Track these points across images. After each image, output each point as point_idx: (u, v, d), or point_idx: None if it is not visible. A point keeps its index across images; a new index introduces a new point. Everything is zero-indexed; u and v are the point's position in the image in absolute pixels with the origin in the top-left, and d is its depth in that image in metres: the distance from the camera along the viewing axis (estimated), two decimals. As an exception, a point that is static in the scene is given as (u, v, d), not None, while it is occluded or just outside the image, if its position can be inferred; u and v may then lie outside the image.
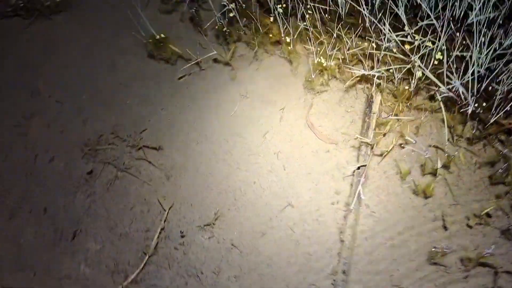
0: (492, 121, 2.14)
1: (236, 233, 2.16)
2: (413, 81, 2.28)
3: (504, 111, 2.11)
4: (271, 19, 2.52)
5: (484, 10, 2.21)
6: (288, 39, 2.47)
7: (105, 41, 2.78)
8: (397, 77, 2.32)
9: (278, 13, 2.49)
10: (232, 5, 2.54)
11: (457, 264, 1.97)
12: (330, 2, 2.46)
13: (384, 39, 2.32)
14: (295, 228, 2.13)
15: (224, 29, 2.55)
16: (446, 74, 2.24)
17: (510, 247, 1.96)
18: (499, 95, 2.15)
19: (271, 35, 2.50)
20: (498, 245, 1.96)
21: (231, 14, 2.54)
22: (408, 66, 2.30)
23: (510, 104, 2.10)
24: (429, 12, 2.29)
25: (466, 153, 2.19)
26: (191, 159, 2.35)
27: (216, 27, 2.61)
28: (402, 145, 2.24)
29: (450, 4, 2.25)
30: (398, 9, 2.29)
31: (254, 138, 2.37)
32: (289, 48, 2.48)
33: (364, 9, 2.34)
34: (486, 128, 2.18)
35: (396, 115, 2.28)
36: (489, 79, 2.15)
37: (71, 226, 2.26)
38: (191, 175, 2.31)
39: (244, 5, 2.60)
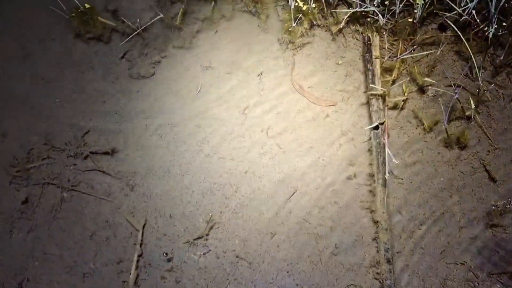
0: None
1: (238, 241, 1.75)
2: (416, 11, 1.97)
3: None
4: None
5: None
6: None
7: (12, 25, 2.22)
8: (398, 8, 1.97)
9: None
10: None
11: None
12: None
13: None
14: (310, 219, 1.77)
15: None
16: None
17: None
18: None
19: None
20: None
21: None
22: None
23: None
24: None
25: (491, 87, 1.92)
26: (157, 158, 1.91)
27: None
28: (418, 90, 1.94)
29: None
30: None
31: (232, 116, 1.96)
32: None
33: None
34: (510, 53, 1.92)
35: (402, 53, 1.95)
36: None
37: (13, 277, 1.76)
38: (161, 178, 1.86)
39: None
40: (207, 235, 1.76)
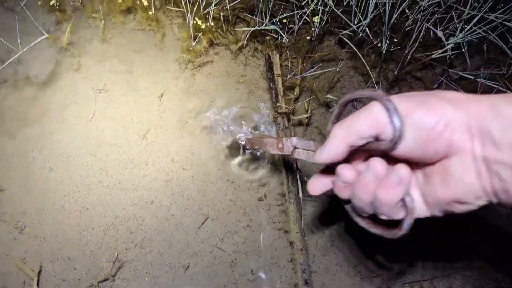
0: (408, 57, 2.18)
1: (149, 279, 1.79)
2: (313, 29, 2.18)
3: (417, 44, 2.17)
4: None
5: None
6: (145, 2, 2.15)
7: None
8: (296, 26, 2.20)
9: None
10: None
11: None
12: None
13: None
14: (224, 246, 1.86)
15: (52, 2, 2.10)
16: (349, 13, 2.21)
17: None
18: (409, 25, 2.22)
19: (120, 1, 2.14)
20: None
21: None
22: (302, 12, 2.20)
23: (422, 35, 2.17)
24: None
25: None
26: (48, 194, 1.88)
27: (39, 2, 2.14)
28: (321, 107, 2.14)
29: None
30: None
31: (132, 143, 2.01)
32: (150, 13, 2.16)
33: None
34: (403, 67, 2.22)
35: (303, 71, 2.16)
36: (397, 9, 2.17)
37: None
38: (55, 217, 1.84)
39: None
40: (113, 276, 1.77)
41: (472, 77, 2.23)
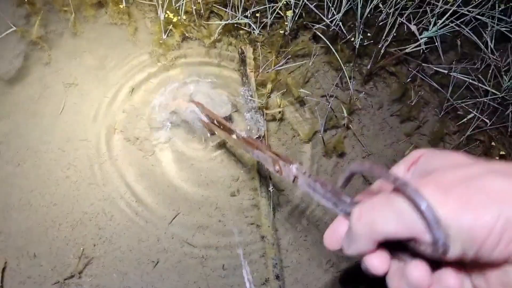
0: (382, 52, 2.20)
1: (117, 275, 1.76)
2: (286, 23, 2.18)
3: (390, 38, 2.19)
4: None
5: None
6: (116, -3, 2.13)
7: None
8: (269, 20, 2.20)
9: None
10: None
11: None
12: None
13: None
14: (195, 241, 1.83)
15: None
16: (323, 7, 2.22)
17: None
18: (383, 19, 2.23)
19: None
20: None
21: None
22: (279, 5, 2.19)
23: (395, 30, 2.18)
24: None
25: (360, 95, 2.21)
26: (15, 190, 1.85)
27: (6, -6, 2.13)
28: (294, 102, 2.14)
29: None
30: None
31: (102, 136, 1.97)
32: (121, 7, 2.14)
33: None
34: (377, 61, 2.23)
35: (276, 65, 2.15)
36: (370, 3, 2.18)
37: None
38: (22, 213, 1.81)
39: None
40: (80, 272, 1.74)
41: (446, 71, 2.24)
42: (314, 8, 2.20)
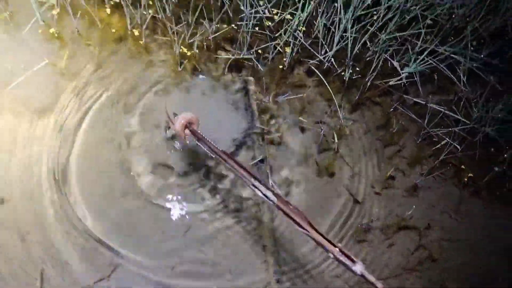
0: (368, 84, 2.52)
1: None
2: (285, 59, 2.48)
3: (376, 72, 2.50)
4: (108, 11, 2.46)
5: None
6: (136, 32, 2.43)
7: None
8: (270, 56, 2.51)
9: (115, 2, 2.45)
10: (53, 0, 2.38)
11: (379, 236, 2.25)
12: None
13: (245, 18, 2.49)
14: (206, 251, 2.11)
15: (51, 30, 2.37)
16: (317, 44, 2.55)
17: (421, 203, 2.34)
18: (370, 56, 2.56)
19: (113, 30, 2.43)
20: (408, 204, 2.32)
21: (54, 12, 2.38)
22: (275, 44, 2.52)
23: (380, 65, 2.51)
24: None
25: (350, 121, 2.51)
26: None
27: (40, 30, 2.40)
28: (291, 127, 2.43)
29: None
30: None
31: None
32: (140, 43, 2.45)
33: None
34: (364, 92, 2.54)
35: (275, 97, 2.45)
36: (357, 42, 2.52)
37: None
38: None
39: None
40: (108, 276, 2.01)
41: (424, 102, 2.56)
42: (308, 46, 2.52)
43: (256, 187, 1.73)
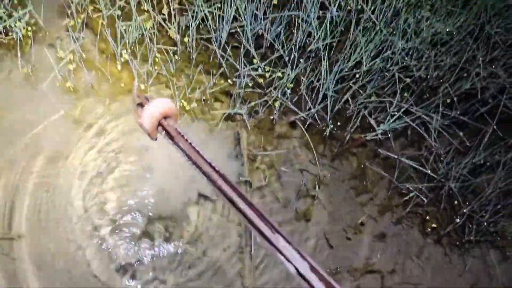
0: (348, 137, 2.84)
1: None
2: (274, 112, 2.81)
3: (355, 126, 2.83)
4: (119, 67, 2.79)
5: (321, 36, 2.89)
6: (142, 86, 2.77)
7: None
8: (260, 110, 2.85)
9: (125, 59, 2.80)
10: (70, 56, 2.74)
11: (347, 277, 2.56)
12: (178, 43, 2.88)
13: (240, 75, 2.83)
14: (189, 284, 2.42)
15: (68, 84, 2.70)
16: (302, 101, 2.88)
17: (388, 248, 2.65)
18: (350, 112, 2.88)
19: (122, 85, 2.77)
20: (375, 249, 2.63)
21: (70, 67, 2.72)
22: (266, 99, 2.85)
23: (359, 121, 2.83)
24: (274, 43, 2.92)
25: (330, 170, 2.83)
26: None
27: (58, 84, 2.73)
28: (276, 175, 2.76)
29: (295, 33, 2.90)
30: (248, 44, 2.86)
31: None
32: (146, 94, 2.67)
33: (215, 46, 2.85)
34: (343, 144, 2.86)
35: (264, 147, 2.80)
36: (339, 100, 2.85)
37: None
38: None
39: (84, 54, 2.81)
40: None
41: (396, 157, 2.86)
42: (293, 106, 2.83)
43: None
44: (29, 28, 2.84)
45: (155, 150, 2.67)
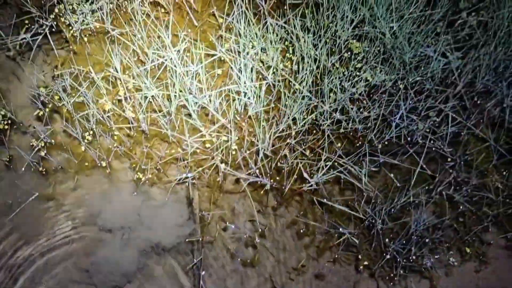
0: (287, 189, 3.25)
1: None
2: (220, 173, 3.26)
3: (294, 179, 3.24)
4: (82, 148, 3.28)
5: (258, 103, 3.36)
6: (103, 164, 3.25)
7: None
8: (209, 171, 3.28)
9: (88, 141, 3.29)
10: (41, 143, 3.25)
11: None
12: (132, 120, 3.36)
13: (188, 144, 3.29)
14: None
15: (41, 169, 3.21)
16: (244, 161, 3.32)
17: (327, 286, 3.01)
18: (288, 167, 3.28)
19: (86, 164, 3.26)
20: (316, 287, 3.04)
21: (42, 153, 3.23)
22: (212, 163, 3.29)
23: (296, 174, 3.24)
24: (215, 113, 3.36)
25: (274, 219, 3.23)
26: None
27: (32, 169, 3.24)
28: (225, 229, 3.17)
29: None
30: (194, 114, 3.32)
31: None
32: (107, 171, 3.27)
33: (161, 118, 3.33)
34: (284, 195, 3.27)
35: (214, 203, 3.21)
36: (276, 159, 3.29)
37: None
38: None
39: (53, 141, 3.31)
40: None
41: (330, 203, 3.22)
42: (232, 171, 3.27)
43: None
44: (5, 122, 3.36)
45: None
